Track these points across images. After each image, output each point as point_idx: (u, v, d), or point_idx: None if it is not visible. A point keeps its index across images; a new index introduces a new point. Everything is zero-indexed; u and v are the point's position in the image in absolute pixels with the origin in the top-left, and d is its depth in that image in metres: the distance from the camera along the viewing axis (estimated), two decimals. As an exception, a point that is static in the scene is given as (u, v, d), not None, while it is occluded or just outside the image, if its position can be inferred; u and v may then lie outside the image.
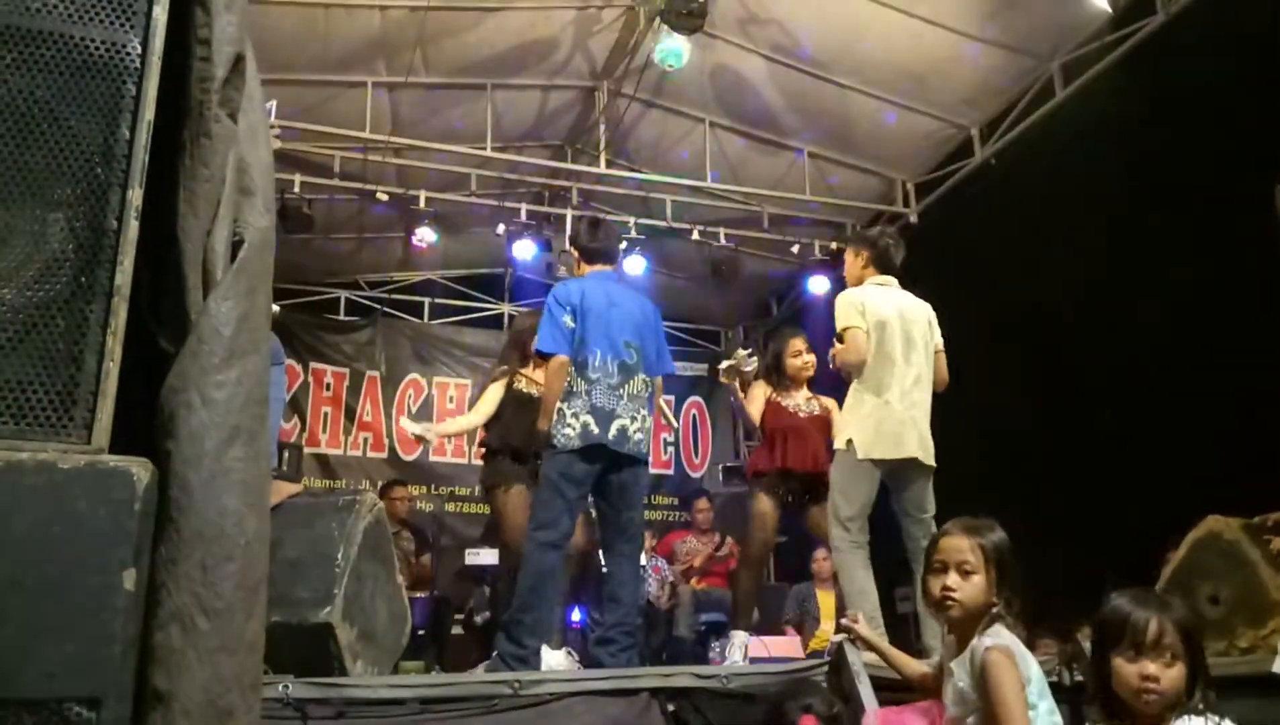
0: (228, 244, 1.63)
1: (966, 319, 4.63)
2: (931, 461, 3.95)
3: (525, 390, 4.96)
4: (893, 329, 3.99)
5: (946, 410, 4.24)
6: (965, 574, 2.30)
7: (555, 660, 4.58)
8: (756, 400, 4.82)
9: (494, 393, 5.04)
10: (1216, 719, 2.00)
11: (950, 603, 2.30)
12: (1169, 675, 2.00)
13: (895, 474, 3.91)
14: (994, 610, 2.29)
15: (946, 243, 7.26)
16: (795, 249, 8.52)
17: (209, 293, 1.58)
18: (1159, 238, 5.42)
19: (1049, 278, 6.15)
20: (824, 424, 4.71)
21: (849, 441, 3.89)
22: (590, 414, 3.85)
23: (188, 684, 1.44)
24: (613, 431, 3.87)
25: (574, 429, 3.82)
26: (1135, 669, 2.01)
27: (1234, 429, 4.79)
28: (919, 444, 3.89)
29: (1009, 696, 2.14)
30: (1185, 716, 2.00)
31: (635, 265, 8.36)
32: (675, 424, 10.13)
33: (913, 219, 8.11)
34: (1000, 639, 2.23)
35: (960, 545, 2.33)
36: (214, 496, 1.50)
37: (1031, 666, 2.23)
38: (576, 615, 5.56)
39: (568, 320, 3.94)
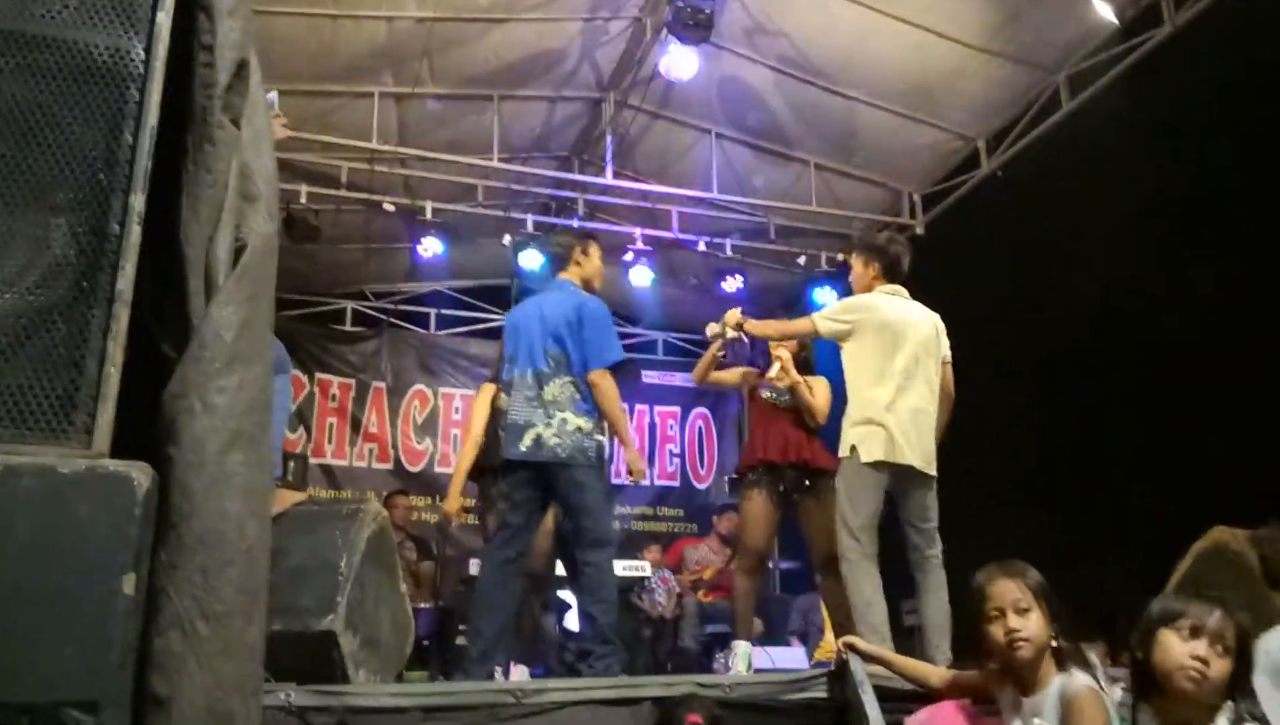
0: (230, 250, 1.63)
1: (975, 331, 4.60)
2: (931, 471, 3.92)
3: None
4: (899, 337, 3.97)
5: (957, 424, 4.22)
6: (1022, 613, 2.32)
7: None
8: (724, 373, 4.81)
9: (480, 412, 4.98)
10: None
11: (1019, 643, 2.30)
12: (1219, 664, 2.05)
13: (897, 482, 3.87)
14: (1054, 644, 2.32)
15: (953, 254, 7.24)
16: (802, 260, 8.54)
17: (211, 298, 1.59)
18: (1168, 248, 5.40)
19: (1057, 289, 6.13)
20: (799, 412, 4.53)
21: (852, 447, 3.87)
22: (505, 430, 3.91)
23: (188, 689, 1.44)
24: (525, 442, 3.86)
25: (500, 446, 3.93)
26: (1187, 648, 2.06)
27: (1250, 439, 4.76)
28: (918, 453, 3.85)
29: None
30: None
31: (642, 277, 8.37)
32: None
33: (919, 230, 8.10)
34: (1086, 680, 2.27)
35: (1009, 587, 2.35)
36: (215, 501, 1.51)
37: (1111, 708, 2.28)
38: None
39: (504, 345, 4.06)
